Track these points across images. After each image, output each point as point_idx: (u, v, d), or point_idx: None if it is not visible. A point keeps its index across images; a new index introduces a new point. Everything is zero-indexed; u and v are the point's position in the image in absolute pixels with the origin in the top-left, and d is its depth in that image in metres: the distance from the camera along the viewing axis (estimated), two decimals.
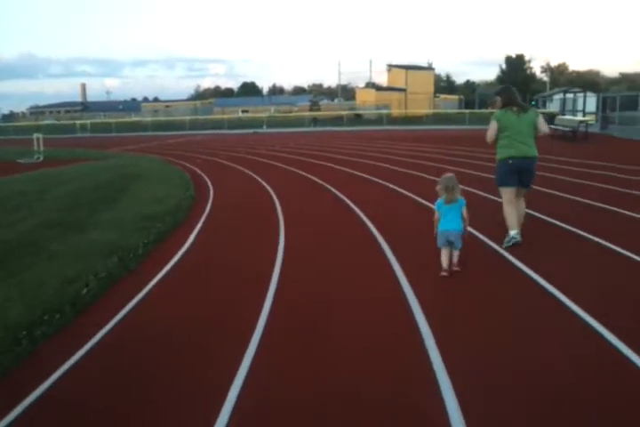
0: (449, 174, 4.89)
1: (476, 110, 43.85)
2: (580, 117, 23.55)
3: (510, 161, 5.60)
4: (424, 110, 44.16)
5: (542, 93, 45.95)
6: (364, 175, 11.77)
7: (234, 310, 4.18)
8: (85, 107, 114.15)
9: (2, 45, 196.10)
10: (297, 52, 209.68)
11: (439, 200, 4.84)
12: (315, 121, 42.85)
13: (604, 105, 28.08)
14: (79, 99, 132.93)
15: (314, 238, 6.40)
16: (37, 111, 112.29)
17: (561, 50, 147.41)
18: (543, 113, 35.75)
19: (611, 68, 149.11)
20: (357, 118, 44.93)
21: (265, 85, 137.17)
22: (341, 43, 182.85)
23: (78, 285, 4.55)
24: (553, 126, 25.25)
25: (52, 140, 35.44)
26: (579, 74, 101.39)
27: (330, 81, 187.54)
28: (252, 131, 37.91)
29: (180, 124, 42.66)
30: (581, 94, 37.64)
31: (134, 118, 50.09)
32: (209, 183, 11.45)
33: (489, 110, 48.05)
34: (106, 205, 8.48)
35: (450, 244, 4.74)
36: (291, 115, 52.10)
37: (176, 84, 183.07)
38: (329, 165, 14.31)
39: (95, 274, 4.81)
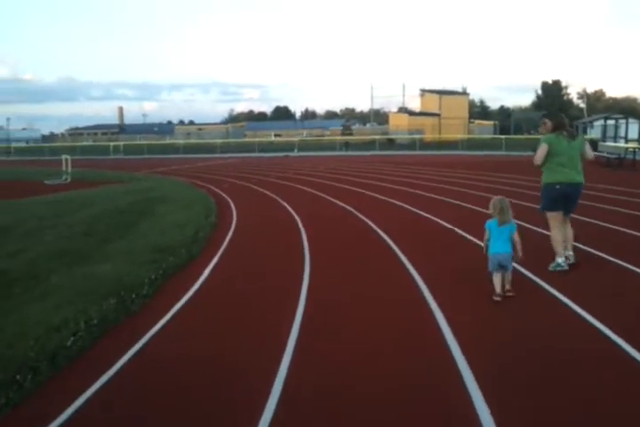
0: (501, 196, 4.99)
1: (512, 136, 42.75)
2: (625, 144, 22.39)
3: (558, 186, 5.63)
4: (458, 135, 43.26)
5: (582, 119, 44.61)
6: (397, 202, 11.01)
7: (248, 372, 3.42)
8: (122, 129, 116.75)
9: (45, 69, 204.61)
10: (330, 77, 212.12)
11: (491, 221, 4.87)
12: (347, 145, 42.41)
13: None
14: (117, 121, 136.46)
15: (342, 277, 5.64)
16: (76, 133, 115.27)
17: (597, 76, 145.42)
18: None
19: None
20: (390, 143, 44.32)
21: (298, 110, 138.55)
22: (374, 67, 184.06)
23: (65, 333, 3.88)
24: (597, 153, 24.22)
25: (84, 161, 35.94)
26: (616, 100, 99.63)
27: (362, 106, 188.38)
28: (283, 154, 37.63)
29: (211, 147, 42.80)
30: (623, 121, 36.38)
31: (166, 141, 50.54)
32: (233, 209, 10.84)
33: (524, 136, 47.27)
34: (120, 233, 7.91)
35: (502, 268, 4.72)
36: (323, 139, 51.89)
37: (211, 108, 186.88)
38: (360, 190, 13.60)
39: (87, 320, 4.13)
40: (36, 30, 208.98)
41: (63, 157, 19.97)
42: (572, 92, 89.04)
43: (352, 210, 10.17)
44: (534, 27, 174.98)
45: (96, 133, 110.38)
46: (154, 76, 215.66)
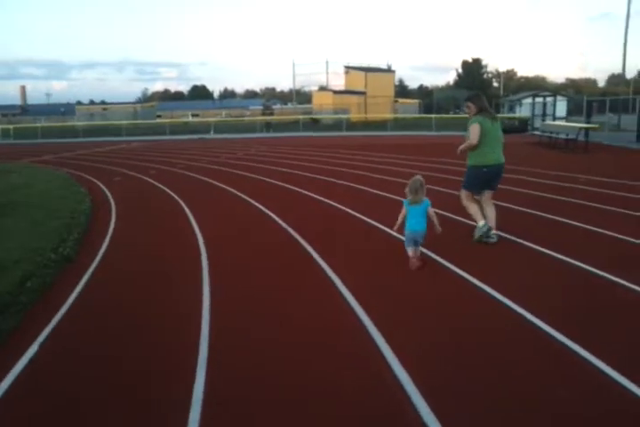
0: (416, 177, 5.15)
1: (442, 115, 41.10)
2: (577, 124, 20.83)
3: (485, 169, 5.83)
4: (386, 115, 41.15)
5: (510, 97, 43.75)
6: (330, 202, 8.35)
7: None
8: (24, 110, 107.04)
9: None
10: (251, 55, 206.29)
11: (406, 200, 5.12)
12: (268, 126, 39.23)
13: (589, 109, 25.76)
14: (19, 102, 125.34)
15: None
16: None
17: (508, 56, 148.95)
18: (514, 118, 33.35)
19: (556, 74, 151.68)
20: (314, 123, 41.55)
21: (216, 89, 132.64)
22: (295, 45, 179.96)
23: None
24: (538, 133, 22.65)
25: None
26: (527, 79, 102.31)
27: (283, 85, 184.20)
28: (197, 137, 34.02)
29: (115, 130, 38.20)
30: (551, 98, 35.60)
31: (64, 123, 45.13)
32: (112, 217, 7.75)
33: (452, 115, 45.91)
34: None
35: (415, 243, 5.05)
36: (242, 119, 48.36)
37: (126, 88, 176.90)
38: (286, 186, 10.82)
39: None
40: None
41: None
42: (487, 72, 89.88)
43: (269, 213, 7.42)
44: (450, 7, 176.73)
45: None
46: (64, 54, 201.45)
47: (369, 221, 7.15)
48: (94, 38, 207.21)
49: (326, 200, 8.91)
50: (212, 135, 35.91)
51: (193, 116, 64.73)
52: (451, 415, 2.59)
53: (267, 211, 8.09)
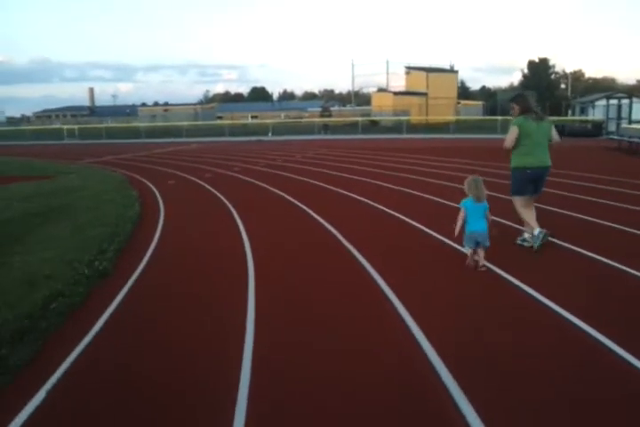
0: (476, 175, 5.18)
1: (508, 117, 39.25)
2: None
3: (529, 171, 5.65)
4: (448, 117, 39.74)
5: (581, 99, 41.40)
6: (396, 214, 7.54)
7: None
8: (92, 111, 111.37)
9: (18, 50, 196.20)
10: (310, 57, 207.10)
11: (465, 200, 5.02)
12: (326, 128, 38.66)
13: None
14: (87, 103, 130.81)
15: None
16: (44, 115, 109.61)
17: (575, 57, 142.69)
18: (587, 121, 31.38)
19: (625, 74, 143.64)
20: (373, 125, 40.66)
21: (275, 91, 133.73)
22: (355, 46, 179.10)
23: None
24: (617, 137, 21.00)
25: (30, 147, 31.88)
26: (595, 80, 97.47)
27: (341, 87, 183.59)
28: (255, 138, 33.86)
29: (176, 131, 38.64)
30: (626, 100, 33.30)
31: (127, 124, 46.15)
32: (158, 229, 7.25)
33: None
34: None
35: (477, 244, 4.90)
36: (300, 121, 48.02)
37: (188, 90, 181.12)
38: (355, 197, 10.08)
39: None
40: (8, 11, 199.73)
41: None
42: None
43: (326, 224, 6.70)
44: (511, 5, 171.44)
45: (65, 116, 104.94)
46: (130, 57, 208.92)
47: (432, 233, 6.32)
48: (159, 42, 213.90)
49: (389, 211, 8.11)
50: (270, 137, 35.71)
51: (252, 117, 65.09)
52: None
53: (328, 226, 7.39)
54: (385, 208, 8.25)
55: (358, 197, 9.47)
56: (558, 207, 7.92)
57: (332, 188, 10.88)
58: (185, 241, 6.62)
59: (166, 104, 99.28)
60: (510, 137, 5.59)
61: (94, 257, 5.55)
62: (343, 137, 33.84)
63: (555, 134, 5.74)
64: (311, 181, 12.05)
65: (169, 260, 5.73)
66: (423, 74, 48.07)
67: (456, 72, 52.72)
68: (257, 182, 12.05)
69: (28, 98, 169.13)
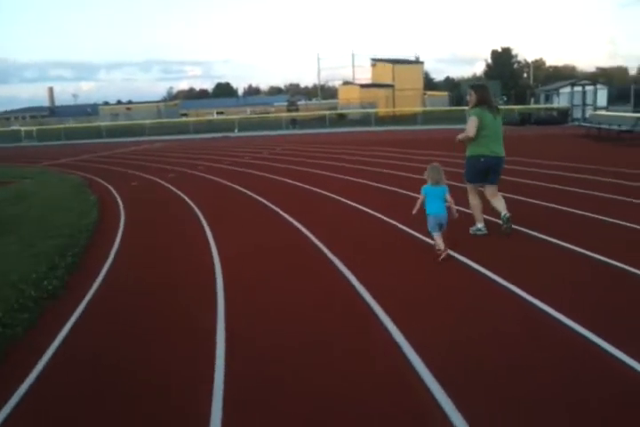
0: (435, 163, 5.32)
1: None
2: (633, 114, 19.13)
3: (482, 159, 5.79)
4: (415, 108, 39.59)
5: (545, 87, 41.72)
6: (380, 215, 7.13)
7: None
8: (52, 111, 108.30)
9: None
10: (274, 51, 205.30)
11: (425, 186, 5.24)
12: (294, 123, 38.08)
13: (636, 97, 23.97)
14: (47, 103, 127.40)
15: None
16: (2, 117, 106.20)
17: (535, 45, 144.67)
18: (552, 109, 31.52)
19: (584, 62, 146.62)
20: (341, 119, 40.25)
21: (241, 86, 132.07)
22: (319, 40, 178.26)
23: None
24: (586, 124, 21.01)
25: None
26: (556, 69, 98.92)
27: (307, 80, 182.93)
28: (221, 135, 33.09)
29: (139, 130, 37.51)
30: (590, 87, 33.59)
31: (86, 124, 44.69)
32: (117, 239, 6.68)
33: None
34: None
35: (440, 227, 5.12)
36: (267, 116, 47.28)
37: (152, 87, 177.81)
38: (324, 193, 9.63)
39: None
40: None
41: None
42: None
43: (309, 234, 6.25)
44: None
45: (24, 117, 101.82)
46: (91, 55, 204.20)
47: (390, 221, 5.93)
48: (121, 39, 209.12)
49: (359, 206, 7.69)
50: (236, 133, 34.97)
51: (218, 113, 63.94)
52: None
53: (299, 225, 6.92)
54: (355, 204, 7.83)
55: (328, 194, 9.04)
56: (525, 196, 7.70)
57: (301, 185, 10.41)
58: (146, 251, 6.08)
59: (129, 102, 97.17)
60: (471, 126, 5.70)
61: (44, 275, 4.98)
62: (311, 131, 33.33)
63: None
64: (280, 178, 11.56)
65: (128, 275, 5.19)
66: (389, 66, 47.81)
67: (422, 63, 52.65)
68: (223, 181, 11.49)
69: None
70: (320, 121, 38.77)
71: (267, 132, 34.10)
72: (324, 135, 29.05)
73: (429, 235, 5.27)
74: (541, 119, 30.31)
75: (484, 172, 5.84)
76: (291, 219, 7.20)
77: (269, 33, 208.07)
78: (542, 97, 39.73)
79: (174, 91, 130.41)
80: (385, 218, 6.97)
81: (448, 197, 5.17)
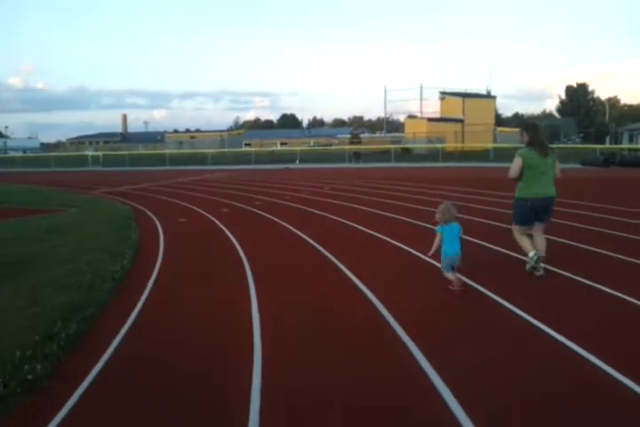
0: (448, 202, 5.42)
1: (555, 145, 36.63)
2: None
3: (529, 203, 5.71)
4: (486, 144, 37.69)
5: (630, 126, 38.99)
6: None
7: None
8: (124, 138, 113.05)
9: (57, 78, 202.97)
10: (340, 85, 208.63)
11: (440, 226, 5.27)
12: (357, 156, 37.00)
13: None
14: (120, 130, 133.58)
15: None
16: (78, 141, 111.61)
17: (609, 83, 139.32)
18: (638, 149, 29.01)
19: None
20: (406, 153, 38.83)
21: (305, 118, 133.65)
22: (387, 72, 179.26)
23: None
24: None
25: (52, 174, 30.81)
26: (631, 107, 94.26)
27: (371, 114, 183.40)
28: (282, 166, 32.36)
29: (201, 158, 37.47)
30: None
31: (151, 151, 45.29)
32: (148, 285, 5.47)
33: (570, 145, 41.12)
34: None
35: (452, 267, 5.15)
36: (330, 148, 46.57)
37: (220, 117, 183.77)
38: (389, 240, 8.18)
39: None
40: (49, 40, 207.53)
41: None
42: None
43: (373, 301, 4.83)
44: (540, 34, 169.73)
45: (98, 142, 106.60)
46: (165, 85, 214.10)
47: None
48: (195, 70, 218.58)
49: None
50: (297, 165, 34.21)
51: (281, 144, 64.10)
52: None
53: (359, 284, 5.50)
54: (418, 253, 6.35)
55: (391, 241, 7.58)
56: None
57: (363, 229, 9.01)
58: (174, 318, 4.80)
59: (198, 131, 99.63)
60: (514, 168, 5.68)
61: (31, 353, 3.77)
62: (375, 165, 32.09)
63: (557, 168, 5.81)
64: (341, 219, 10.19)
65: (142, 357, 3.90)
66: (459, 99, 46.22)
67: (494, 97, 50.67)
68: (279, 221, 10.24)
69: (66, 124, 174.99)
70: (384, 155, 37.52)
71: (329, 165, 33.12)
72: (388, 170, 27.69)
73: (443, 273, 5.27)
74: (627, 161, 27.82)
75: (533, 214, 5.74)
76: (351, 275, 5.79)
77: (336, 66, 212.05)
78: (625, 136, 37.08)
79: (241, 121, 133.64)
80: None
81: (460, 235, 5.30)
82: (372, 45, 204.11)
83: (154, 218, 11.30)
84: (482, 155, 34.95)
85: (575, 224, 9.06)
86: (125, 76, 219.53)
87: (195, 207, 12.92)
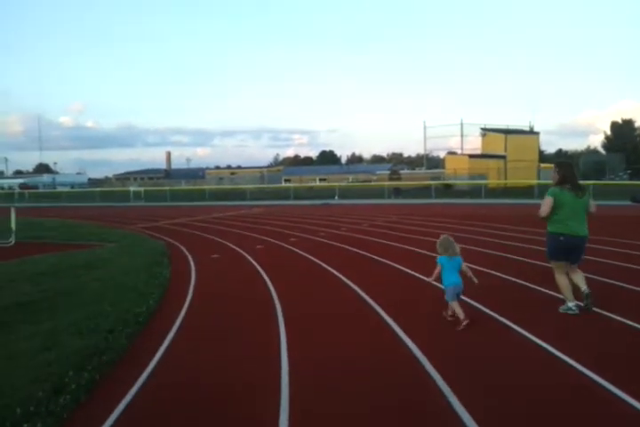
0: (445, 235, 5.70)
1: (602, 182, 35.26)
2: None
3: (562, 238, 5.66)
4: (530, 181, 36.65)
5: None
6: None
7: None
8: (168, 174, 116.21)
9: (106, 117, 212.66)
10: (379, 122, 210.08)
11: (441, 257, 5.44)
12: (397, 192, 36.52)
13: None
14: (164, 166, 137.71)
15: None
16: (123, 177, 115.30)
17: None
18: None
19: None
20: (447, 189, 38.14)
21: (344, 155, 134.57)
22: (426, 108, 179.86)
23: None
24: None
25: (95, 209, 31.38)
26: None
27: (410, 150, 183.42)
28: (321, 202, 32.11)
29: (241, 194, 37.66)
30: None
31: (191, 186, 45.91)
32: (175, 324, 5.07)
33: (618, 182, 39.71)
34: None
35: (457, 296, 5.30)
36: (369, 184, 46.28)
37: (260, 154, 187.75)
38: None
39: None
40: (98, 81, 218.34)
41: (12, 209, 14.75)
42: None
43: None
44: (580, 69, 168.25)
45: (142, 178, 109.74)
46: (208, 123, 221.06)
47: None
48: (237, 109, 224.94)
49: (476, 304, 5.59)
50: (336, 200, 33.93)
51: (320, 180, 64.30)
52: None
53: (406, 339, 4.96)
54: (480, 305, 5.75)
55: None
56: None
57: (404, 269, 8.47)
58: (197, 366, 4.36)
59: (239, 167, 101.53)
60: (544, 207, 5.69)
61: (35, 407, 3.39)
62: (415, 202, 31.49)
63: (593, 206, 5.79)
64: (381, 259, 9.69)
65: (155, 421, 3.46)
66: (501, 136, 45.44)
67: (537, 133, 49.67)
68: (314, 259, 9.80)
69: (113, 160, 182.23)
70: (425, 191, 36.92)
71: (368, 201, 32.72)
72: (429, 207, 27.05)
73: (448, 304, 5.38)
74: None
75: (566, 250, 5.71)
76: (396, 327, 5.26)
77: (375, 102, 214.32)
78: None
79: (280, 157, 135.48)
80: (509, 323, 4.83)
81: (464, 266, 5.44)
82: (411, 81, 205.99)
83: (186, 254, 11.04)
84: (525, 191, 33.94)
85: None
86: (170, 114, 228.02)
87: (228, 243, 12.63)
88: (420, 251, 10.63)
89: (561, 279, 5.73)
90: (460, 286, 5.30)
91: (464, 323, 5.08)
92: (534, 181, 36.82)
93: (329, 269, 8.81)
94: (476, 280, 5.41)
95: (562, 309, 5.65)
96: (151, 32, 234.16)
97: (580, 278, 5.74)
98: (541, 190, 33.29)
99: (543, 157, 78.15)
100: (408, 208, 25.98)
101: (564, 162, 6.09)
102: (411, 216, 19.99)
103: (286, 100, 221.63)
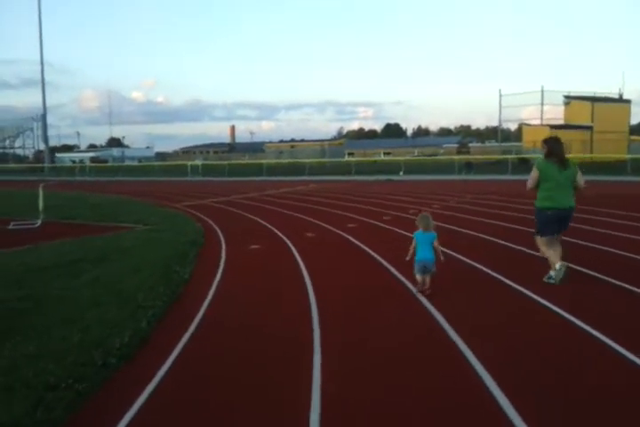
0: (425, 213, 5.77)
1: None
2: None
3: (549, 212, 5.83)
4: (619, 155, 32.79)
5: None
6: None
7: None
8: (232, 147, 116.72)
9: (175, 92, 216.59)
10: (445, 93, 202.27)
11: (417, 232, 5.57)
12: (469, 167, 33.62)
13: None
14: (229, 140, 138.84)
15: None
16: (189, 151, 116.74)
17: None
18: None
19: None
20: (524, 164, 34.77)
21: (410, 127, 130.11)
22: (498, 77, 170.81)
23: None
24: None
25: (152, 184, 30.52)
26: None
27: (478, 122, 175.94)
28: (384, 178, 29.82)
29: (300, 168, 35.89)
30: None
31: (249, 160, 44.56)
32: (188, 331, 3.28)
33: None
34: None
35: (425, 271, 5.43)
36: (437, 158, 43.38)
37: (325, 127, 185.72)
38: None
39: None
40: (167, 58, 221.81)
41: (40, 188, 13.45)
42: None
43: None
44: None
45: (208, 152, 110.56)
46: (273, 97, 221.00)
47: None
48: (302, 82, 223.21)
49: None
50: (401, 176, 31.54)
51: (385, 154, 61.64)
52: None
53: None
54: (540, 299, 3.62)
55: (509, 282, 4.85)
56: None
57: (501, 277, 6.31)
58: (205, 398, 2.52)
59: (302, 141, 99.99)
60: (531, 180, 5.89)
61: None
62: (489, 178, 28.65)
63: (580, 179, 5.85)
64: (461, 257, 7.55)
65: None
66: (587, 104, 41.05)
67: (628, 102, 44.64)
68: (373, 254, 7.78)
69: (181, 135, 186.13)
70: (498, 166, 33.83)
71: (436, 177, 30.14)
72: (505, 184, 24.27)
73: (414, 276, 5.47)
74: None
75: (554, 223, 5.81)
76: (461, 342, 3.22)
77: (442, 74, 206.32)
78: None
79: (345, 131, 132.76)
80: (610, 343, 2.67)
81: (436, 243, 5.49)
82: (482, 48, 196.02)
83: (222, 241, 9.32)
84: (615, 167, 30.29)
85: None
86: (236, 89, 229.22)
87: (275, 229, 10.80)
88: (519, 248, 8.40)
89: (547, 249, 5.89)
90: (429, 260, 5.39)
91: (426, 292, 5.35)
92: (625, 155, 32.89)
93: (385, 264, 6.78)
94: (443, 258, 5.49)
95: (548, 277, 5.77)
96: (221, 11, 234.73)
97: (558, 251, 5.85)
98: (633, 167, 29.56)
99: (633, 129, 71.60)
100: (482, 185, 23.36)
101: (551, 137, 6.15)
102: (488, 195, 17.49)
103: (351, 73, 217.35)
